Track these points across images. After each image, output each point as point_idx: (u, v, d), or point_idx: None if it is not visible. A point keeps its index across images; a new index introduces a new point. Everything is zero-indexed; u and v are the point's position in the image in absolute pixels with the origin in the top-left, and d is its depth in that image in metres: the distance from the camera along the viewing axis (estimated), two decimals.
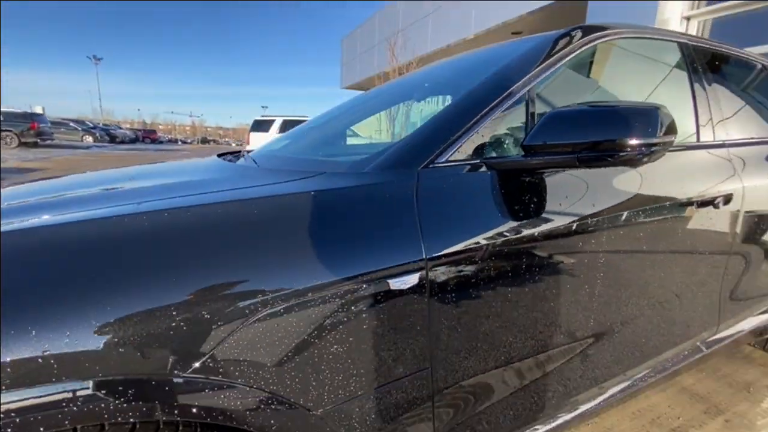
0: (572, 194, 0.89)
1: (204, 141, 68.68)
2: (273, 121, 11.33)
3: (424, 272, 0.69)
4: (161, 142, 42.92)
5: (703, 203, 1.11)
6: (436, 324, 0.72)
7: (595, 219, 0.90)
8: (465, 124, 0.85)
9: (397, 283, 0.67)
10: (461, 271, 0.74)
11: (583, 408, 1.06)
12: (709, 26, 4.93)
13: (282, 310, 0.59)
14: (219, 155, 1.72)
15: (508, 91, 0.91)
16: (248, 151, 1.59)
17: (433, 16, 11.81)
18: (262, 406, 0.59)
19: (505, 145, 0.93)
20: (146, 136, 39.19)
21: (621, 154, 0.74)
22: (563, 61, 1.01)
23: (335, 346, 0.64)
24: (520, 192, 0.83)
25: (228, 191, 0.73)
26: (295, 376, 0.61)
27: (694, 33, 4.94)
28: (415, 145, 0.83)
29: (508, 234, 0.78)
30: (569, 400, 1.03)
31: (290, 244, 0.62)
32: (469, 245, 0.74)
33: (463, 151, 0.84)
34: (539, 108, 0.96)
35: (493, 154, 0.89)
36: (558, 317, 0.90)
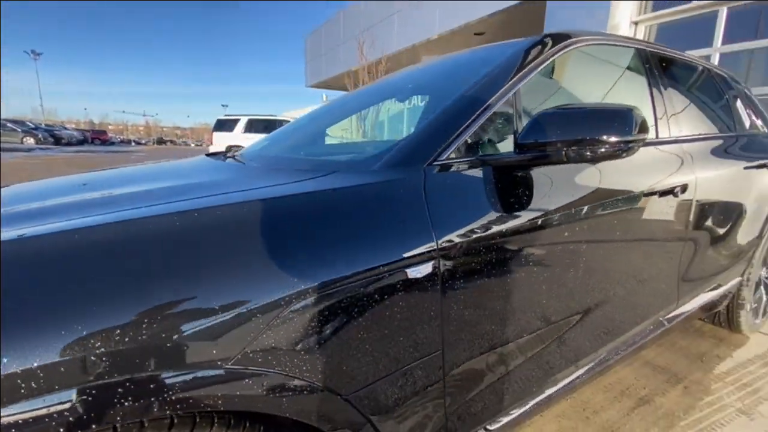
0: (559, 186, 0.98)
1: (160, 141, 65.43)
2: (238, 120, 11.03)
3: (436, 261, 0.75)
4: (113, 143, 40.47)
5: (665, 192, 1.25)
6: (447, 308, 0.79)
7: (578, 208, 1.00)
8: (461, 124, 0.92)
9: (413, 272, 0.72)
10: (468, 258, 0.80)
11: (563, 383, 1.17)
12: (654, 31, 5.34)
13: (312, 302, 0.63)
14: (208, 155, 1.70)
15: (497, 94, 0.99)
16: (235, 153, 1.58)
17: (398, 15, 11.94)
18: (295, 391, 0.63)
19: (496, 144, 1.01)
20: (96, 137, 36.74)
21: (602, 150, 0.84)
22: (542, 66, 1.11)
23: (360, 333, 0.69)
24: (514, 186, 0.91)
25: (251, 191, 0.75)
26: (325, 362, 0.65)
27: (641, 37, 5.34)
28: (419, 143, 0.88)
29: (505, 223, 0.86)
30: (553, 377, 1.13)
31: (318, 239, 0.66)
32: (473, 235, 0.81)
33: (460, 149, 0.90)
34: (524, 109, 1.05)
35: (488, 152, 0.97)
36: (546, 299, 1.00)
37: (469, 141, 0.93)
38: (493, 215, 0.86)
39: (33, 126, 27.37)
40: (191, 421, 0.60)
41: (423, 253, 0.74)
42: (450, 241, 0.78)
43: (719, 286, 1.77)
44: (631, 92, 1.46)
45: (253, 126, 10.91)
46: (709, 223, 1.55)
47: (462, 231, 0.81)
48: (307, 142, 1.58)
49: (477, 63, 1.24)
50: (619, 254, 1.20)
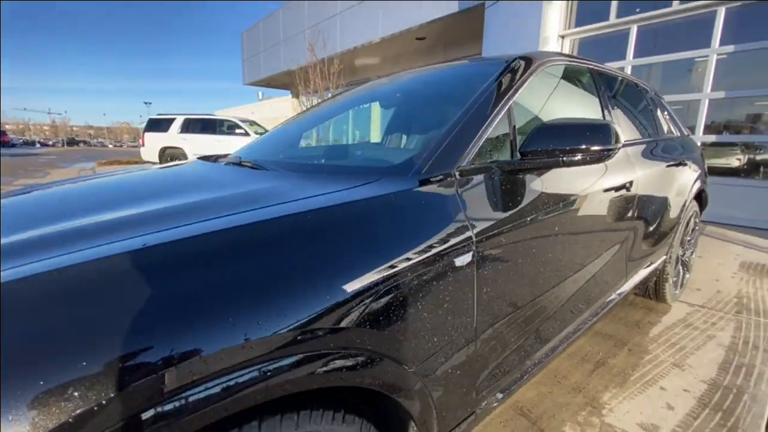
0: (554, 184, 1.18)
1: (71, 143, 58.48)
2: (173, 120, 10.31)
3: (473, 251, 0.90)
4: (14, 145, 35.44)
5: (620, 188, 1.53)
6: (479, 289, 0.94)
7: (565, 203, 1.21)
8: (475, 134, 1.07)
9: (459, 261, 0.86)
10: (491, 247, 0.96)
11: (554, 348, 1.39)
12: (577, 44, 6.03)
13: (391, 287, 0.74)
14: (201, 158, 1.68)
15: (497, 108, 1.16)
16: (241, 159, 1.58)
17: (341, 17, 11.97)
18: (379, 365, 0.74)
19: (498, 151, 1.18)
20: None
21: (589, 156, 1.04)
22: (526, 83, 1.31)
23: (422, 313, 0.81)
24: (519, 185, 1.09)
25: (327, 195, 0.83)
26: (402, 340, 0.77)
27: (567, 49, 5.99)
28: (445, 151, 1.02)
29: (515, 216, 1.04)
30: (547, 344, 1.34)
31: (395, 236, 0.77)
32: (495, 227, 0.97)
33: (474, 156, 1.06)
34: (517, 121, 1.23)
35: (492, 158, 1.14)
36: (544, 278, 1.19)
37: (480, 149, 1.09)
38: (506, 210, 1.03)
39: None
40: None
41: (465, 245, 0.88)
42: (480, 233, 0.93)
43: (651, 263, 2.14)
44: (586, 104, 1.73)
45: (190, 126, 10.28)
46: (645, 211, 1.88)
47: (487, 225, 0.96)
48: (316, 148, 1.64)
49: (469, 78, 1.41)
50: (593, 240, 1.45)
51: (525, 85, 1.29)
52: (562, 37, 5.92)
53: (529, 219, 1.08)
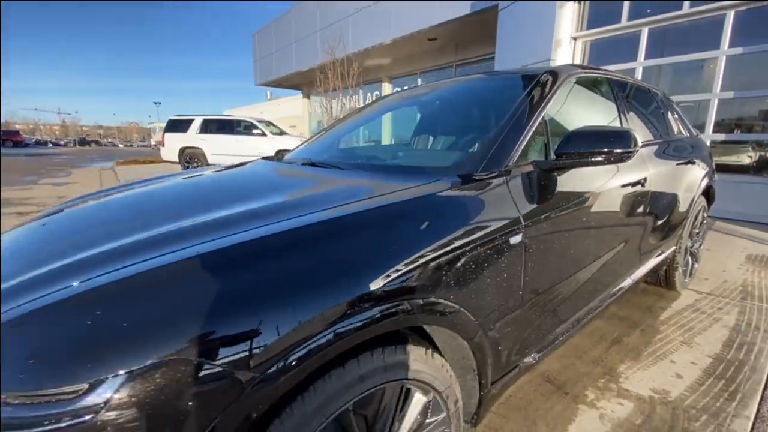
0: (582, 181, 1.42)
1: (83, 142, 59.42)
2: (192, 120, 10.63)
3: (522, 233, 1.14)
4: (26, 145, 36.21)
5: (636, 183, 1.76)
6: (526, 263, 1.18)
7: (593, 195, 1.45)
8: (518, 138, 1.31)
9: (513, 240, 1.11)
10: (536, 229, 1.20)
11: (580, 320, 1.63)
12: (589, 46, 6.21)
13: (466, 258, 0.99)
14: (265, 159, 1.93)
15: (534, 115, 1.40)
16: (311, 160, 1.80)
17: (353, 18, 12.19)
18: (457, 314, 0.98)
19: (535, 152, 1.42)
20: (7, 138, 32.67)
21: (613, 158, 1.28)
22: (556, 94, 1.54)
23: (487, 279, 1.05)
24: (555, 181, 1.32)
25: (419, 187, 1.08)
26: (472, 298, 1.02)
27: (579, 51, 6.17)
28: (496, 153, 1.26)
29: (557, 205, 1.28)
30: (575, 315, 1.58)
31: (462, 220, 1.02)
32: (535, 215, 1.21)
33: (518, 156, 1.30)
34: (549, 126, 1.47)
35: (530, 159, 1.37)
36: (574, 258, 1.43)
37: (521, 150, 1.33)
38: (545, 202, 1.27)
39: None
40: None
41: (517, 227, 1.12)
42: (527, 219, 1.17)
43: (662, 252, 2.37)
44: (605, 110, 1.96)
45: (208, 126, 10.59)
46: (658, 205, 2.11)
47: (531, 212, 1.20)
48: (374, 148, 1.89)
49: (507, 89, 1.65)
50: (613, 228, 1.68)
51: (556, 96, 1.53)
52: (575, 39, 6.11)
53: (562, 209, 1.32)
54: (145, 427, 0.57)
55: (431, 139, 1.94)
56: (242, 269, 0.73)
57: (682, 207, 2.44)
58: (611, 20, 5.74)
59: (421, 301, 0.90)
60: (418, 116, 2.10)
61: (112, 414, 0.55)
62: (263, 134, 10.22)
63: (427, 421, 1.01)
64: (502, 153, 1.26)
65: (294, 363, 0.68)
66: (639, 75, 5.65)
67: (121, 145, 65.77)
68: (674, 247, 2.50)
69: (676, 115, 2.79)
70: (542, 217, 1.23)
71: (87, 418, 0.55)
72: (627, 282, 2.00)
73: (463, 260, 0.98)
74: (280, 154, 2.08)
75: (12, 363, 0.57)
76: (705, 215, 2.97)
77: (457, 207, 1.04)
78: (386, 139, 2.13)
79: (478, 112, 1.76)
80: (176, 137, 10.56)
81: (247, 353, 0.64)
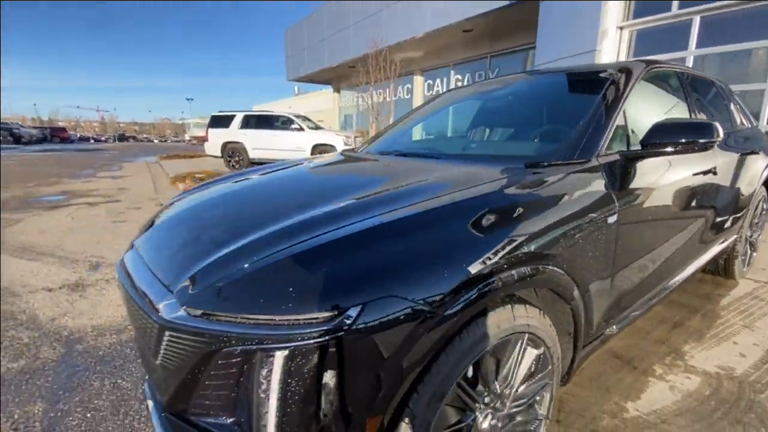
0: (661, 169, 1.55)
1: (122, 138, 62.31)
2: (233, 116, 11.08)
3: (618, 213, 1.30)
4: (72, 141, 38.39)
5: (708, 172, 1.86)
6: (618, 240, 1.33)
7: (671, 182, 1.58)
8: (606, 127, 1.46)
9: (610, 220, 1.27)
10: (627, 212, 1.35)
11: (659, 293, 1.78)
12: (635, 36, 6.10)
13: (574, 234, 1.16)
14: (345, 152, 2.14)
15: (617, 107, 1.54)
16: (396, 150, 1.98)
17: (386, 12, 12.28)
18: (564, 278, 1.15)
19: (614, 143, 1.55)
20: (55, 134, 34.77)
21: (697, 147, 1.40)
22: (634, 88, 1.67)
23: (588, 253, 1.22)
24: (639, 170, 1.46)
25: (520, 175, 1.26)
26: (576, 268, 1.18)
27: (625, 40, 6.08)
28: (588, 143, 1.41)
29: (641, 191, 1.42)
30: (653, 290, 1.73)
31: (576, 201, 1.19)
32: (628, 198, 1.36)
33: (606, 146, 1.44)
34: (630, 117, 1.60)
35: (615, 149, 1.51)
36: (657, 239, 1.58)
37: (608, 140, 1.47)
38: (633, 187, 1.41)
39: None
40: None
41: (613, 209, 1.28)
42: (620, 201, 1.33)
43: (724, 241, 2.43)
44: (675, 103, 2.06)
45: (249, 122, 11.01)
46: (723, 193, 2.18)
47: (623, 196, 1.35)
48: (462, 139, 2.07)
49: (587, 84, 1.78)
50: (686, 216, 1.80)
51: (634, 89, 1.66)
52: (620, 28, 6.02)
53: (646, 194, 1.46)
54: (381, 345, 0.78)
55: (512, 131, 2.08)
56: (435, 231, 0.94)
57: (745, 196, 2.49)
58: (661, 9, 5.62)
59: (542, 267, 1.08)
60: (493, 110, 2.24)
61: (353, 335, 0.77)
62: (300, 129, 10.55)
63: (537, 371, 1.19)
64: (592, 143, 1.42)
65: (463, 304, 0.88)
66: (689, 65, 5.53)
67: (155, 141, 68.60)
68: (735, 236, 2.56)
69: (738, 106, 2.82)
70: (631, 201, 1.38)
71: (336, 335, 0.76)
72: (692, 268, 2.10)
73: (575, 234, 1.16)
74: (354, 148, 2.29)
75: (283, 294, 0.80)
76: (765, 206, 2.98)
77: (566, 189, 1.21)
78: (462, 132, 2.28)
79: (563, 105, 1.89)
80: (219, 132, 11.04)
81: (439, 296, 0.84)
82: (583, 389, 1.76)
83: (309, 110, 24.66)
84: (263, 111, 11.89)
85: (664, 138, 1.42)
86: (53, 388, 1.81)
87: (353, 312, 0.77)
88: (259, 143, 10.70)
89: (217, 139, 11.02)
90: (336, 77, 18.71)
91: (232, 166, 10.88)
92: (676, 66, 2.12)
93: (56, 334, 2.27)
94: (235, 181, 1.71)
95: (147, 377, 1.25)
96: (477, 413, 1.05)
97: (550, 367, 1.22)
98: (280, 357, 0.76)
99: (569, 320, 1.27)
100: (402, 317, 0.80)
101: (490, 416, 1.09)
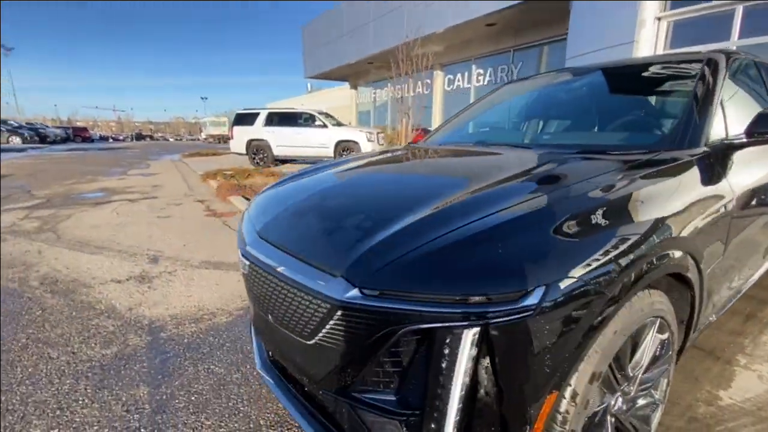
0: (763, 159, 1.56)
1: (139, 137, 63.51)
2: (257, 114, 11.22)
3: (734, 199, 1.31)
4: (92, 140, 39.24)
5: None
6: (730, 226, 1.34)
7: None
8: (707, 118, 1.46)
9: (727, 207, 1.28)
10: (741, 198, 1.36)
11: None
12: (672, 26, 5.98)
13: (696, 218, 1.18)
14: (413, 144, 2.16)
15: (714, 98, 1.53)
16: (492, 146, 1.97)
17: (407, 7, 12.22)
18: (687, 261, 1.17)
19: (717, 131, 1.55)
20: (77, 134, 35.66)
21: None
22: (727, 77, 1.66)
23: (704, 237, 1.23)
24: (748, 157, 1.46)
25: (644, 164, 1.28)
26: (698, 253, 1.20)
27: (663, 31, 5.96)
28: (693, 132, 1.41)
29: (750, 179, 1.44)
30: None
31: (697, 189, 1.21)
32: (740, 185, 1.37)
33: (709, 135, 1.44)
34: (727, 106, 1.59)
35: (719, 137, 1.50)
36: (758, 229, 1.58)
37: (710, 130, 1.47)
38: (744, 174, 1.42)
39: (17, 125, 26.40)
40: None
41: (728, 197, 1.29)
42: (733, 187, 1.34)
43: None
44: (759, 93, 2.03)
45: (273, 119, 11.12)
46: None
47: (735, 184, 1.36)
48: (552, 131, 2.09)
49: (682, 74, 1.78)
50: None
51: (727, 78, 1.65)
52: (659, 19, 5.90)
53: (756, 182, 1.47)
54: (561, 323, 0.82)
55: (606, 121, 2.04)
56: (586, 220, 0.95)
57: None
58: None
59: (672, 253, 1.09)
60: (577, 99, 2.21)
61: (539, 315, 0.80)
62: (324, 126, 10.62)
63: (661, 356, 1.21)
64: (696, 132, 1.42)
65: (620, 286, 0.91)
66: None
67: (171, 139, 69.70)
68: None
69: None
70: (743, 188, 1.39)
71: (526, 314, 0.79)
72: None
73: (695, 221, 1.17)
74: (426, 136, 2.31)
75: (468, 272, 0.83)
76: None
77: (686, 177, 1.23)
78: (550, 123, 2.26)
79: (661, 96, 1.89)
80: (244, 130, 11.19)
81: (604, 278, 0.87)
82: (673, 379, 1.77)
83: (323, 107, 24.76)
84: (287, 108, 12.00)
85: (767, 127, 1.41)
86: (151, 372, 1.89)
87: (539, 292, 0.80)
88: (283, 140, 10.81)
89: (242, 136, 11.18)
90: (354, 74, 18.72)
91: (257, 163, 11.02)
92: (757, 57, 2.10)
93: (137, 323, 2.36)
94: (332, 172, 1.74)
95: (268, 362, 1.31)
96: (617, 395, 1.07)
97: (670, 353, 1.24)
98: (468, 335, 0.80)
99: (685, 307, 1.29)
100: (576, 297, 0.84)
101: (620, 399, 1.12)
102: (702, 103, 1.51)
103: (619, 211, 1.02)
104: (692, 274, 1.19)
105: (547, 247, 0.87)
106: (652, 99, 1.90)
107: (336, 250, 1.03)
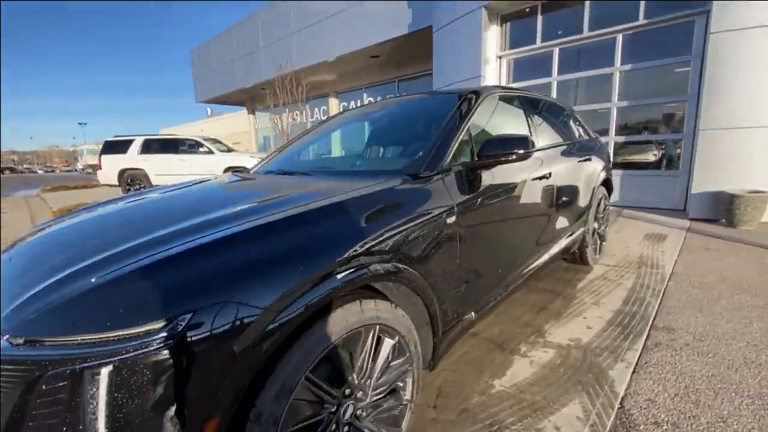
0: (498, 176, 1.85)
1: None
2: (131, 141, 10.22)
3: (455, 214, 1.52)
4: None
5: (541, 177, 2.24)
6: (461, 237, 1.56)
7: (506, 188, 1.88)
8: (449, 145, 1.71)
9: (449, 220, 1.48)
10: (466, 212, 1.59)
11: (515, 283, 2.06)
12: (513, 63, 7.02)
13: (416, 233, 1.34)
14: (232, 172, 2.18)
15: (461, 126, 1.81)
16: (293, 169, 2.10)
17: (297, 36, 12.46)
18: (413, 275, 1.33)
19: (461, 156, 1.82)
20: None
21: (517, 156, 1.71)
22: (477, 109, 1.98)
23: (432, 250, 1.41)
24: (478, 177, 1.73)
25: (365, 189, 1.42)
26: (424, 264, 1.37)
27: (504, 68, 6.96)
28: (434, 158, 1.63)
29: (482, 195, 1.68)
30: (507, 281, 2.00)
31: (414, 207, 1.38)
32: (466, 201, 1.60)
33: (450, 159, 1.69)
34: (473, 135, 1.89)
35: (460, 161, 1.77)
36: (498, 238, 1.85)
37: (452, 154, 1.72)
38: (471, 192, 1.66)
39: None
40: None
41: (451, 209, 1.50)
42: (459, 204, 1.56)
43: (573, 233, 2.91)
44: (516, 121, 2.45)
45: (150, 146, 10.23)
46: (565, 194, 2.63)
47: (461, 200, 1.59)
48: (334, 158, 2.20)
49: (439, 107, 2.06)
50: (529, 213, 2.14)
51: (478, 111, 1.96)
52: (500, 57, 6.89)
53: (485, 197, 1.73)
54: (213, 349, 0.84)
55: (382, 149, 2.30)
56: (278, 239, 1.02)
57: (586, 195, 3.02)
58: (528, 41, 6.57)
59: (388, 265, 1.23)
60: (369, 130, 2.46)
61: (185, 343, 0.82)
62: (210, 152, 10.09)
63: (394, 359, 1.33)
64: (437, 157, 1.65)
65: (307, 305, 0.99)
66: (554, 88, 6.51)
67: (40, 171, 59.71)
68: (582, 228, 3.07)
69: (578, 123, 3.42)
70: (470, 203, 1.63)
71: (160, 347, 0.81)
72: (545, 258, 2.48)
73: (416, 234, 1.34)
74: (244, 169, 2.34)
75: (107, 311, 0.82)
76: (606, 202, 3.61)
77: (409, 197, 1.40)
78: (342, 150, 2.45)
79: (420, 125, 2.16)
80: (115, 159, 10.09)
81: (274, 299, 0.93)
82: (461, 374, 1.96)
83: (224, 132, 23.58)
84: (167, 135, 11.13)
85: (493, 150, 1.71)
86: None
87: (183, 320, 0.82)
88: (163, 168, 9.97)
89: (113, 165, 10.05)
90: (250, 99, 18.29)
91: None
92: (520, 91, 2.55)
93: None
94: (102, 206, 1.66)
95: None
96: (335, 406, 1.14)
97: (407, 354, 1.37)
98: (105, 373, 0.78)
99: (423, 310, 1.45)
100: (235, 321, 0.88)
101: (351, 407, 1.20)
102: (446, 132, 1.77)
103: (313, 234, 1.12)
104: (417, 283, 1.35)
105: (200, 276, 0.90)
106: (422, 128, 2.18)
107: (9, 297, 0.96)
